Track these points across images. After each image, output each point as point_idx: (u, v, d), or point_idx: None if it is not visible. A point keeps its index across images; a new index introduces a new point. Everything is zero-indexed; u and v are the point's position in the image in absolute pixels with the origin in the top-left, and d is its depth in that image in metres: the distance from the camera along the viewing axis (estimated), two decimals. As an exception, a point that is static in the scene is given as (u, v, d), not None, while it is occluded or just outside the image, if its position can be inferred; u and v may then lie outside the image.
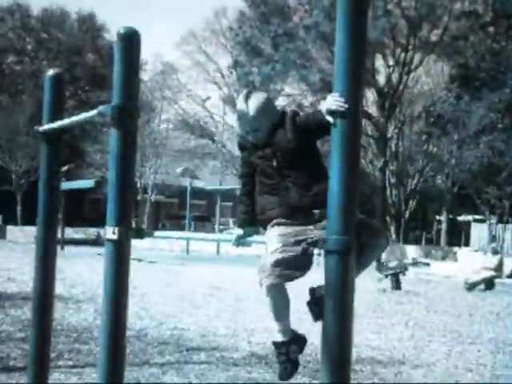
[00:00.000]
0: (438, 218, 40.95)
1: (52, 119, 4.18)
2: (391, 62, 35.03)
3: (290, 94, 37.92)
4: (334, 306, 2.71)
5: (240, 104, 3.42)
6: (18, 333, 7.09)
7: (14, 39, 46.28)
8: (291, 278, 3.11)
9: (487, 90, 31.41)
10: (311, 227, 3.18)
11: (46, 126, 4.20)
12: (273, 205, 3.28)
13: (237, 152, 42.38)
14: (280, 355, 3.18)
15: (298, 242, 3.14)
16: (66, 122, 3.99)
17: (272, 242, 3.18)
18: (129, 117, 3.29)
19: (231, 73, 40.75)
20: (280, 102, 39.13)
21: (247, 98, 3.40)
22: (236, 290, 12.50)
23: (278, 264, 3.06)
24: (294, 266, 3.10)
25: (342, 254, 2.69)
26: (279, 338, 3.21)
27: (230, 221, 41.72)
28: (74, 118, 3.81)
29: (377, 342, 7.68)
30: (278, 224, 3.23)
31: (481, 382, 6.01)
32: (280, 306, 3.18)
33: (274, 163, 3.30)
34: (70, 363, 5.82)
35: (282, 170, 3.28)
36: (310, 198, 3.19)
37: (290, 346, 3.19)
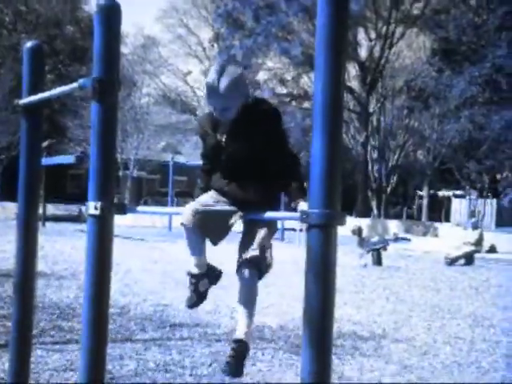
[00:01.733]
0: (419, 193, 41.22)
1: (32, 92, 4.11)
2: (373, 36, 34.96)
3: (272, 68, 37.76)
4: (317, 280, 2.70)
5: (211, 78, 3.31)
6: (0, 310, 7.05)
7: (-9, 11, 45.53)
8: (201, 231, 3.31)
9: (468, 64, 31.49)
10: (238, 212, 3.33)
11: (26, 100, 4.13)
12: (221, 186, 3.40)
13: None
14: (191, 285, 3.44)
15: (219, 211, 3.33)
16: (46, 94, 3.93)
17: (202, 196, 3.41)
18: (110, 90, 3.23)
19: (212, 46, 40.50)
20: (261, 76, 39.00)
21: (220, 73, 3.30)
22: (219, 266, 12.50)
23: (194, 212, 3.28)
24: (206, 221, 3.30)
25: (324, 228, 2.67)
26: (195, 270, 3.44)
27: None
28: (55, 91, 3.75)
29: (358, 317, 7.74)
30: (216, 192, 3.41)
31: (459, 356, 6.08)
32: (193, 244, 3.37)
33: (230, 149, 3.34)
34: (53, 340, 5.80)
35: (235, 157, 3.33)
36: (251, 195, 3.31)
37: (202, 279, 3.44)
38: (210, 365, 5.25)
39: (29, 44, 4.22)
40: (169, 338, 6.13)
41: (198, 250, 3.40)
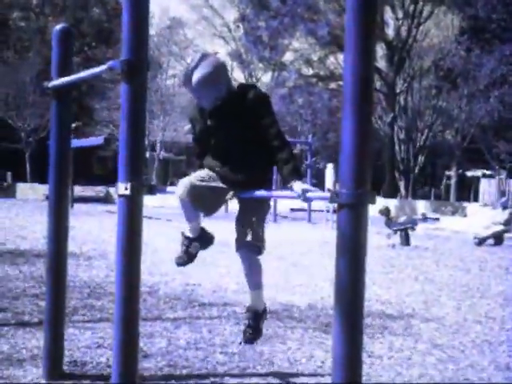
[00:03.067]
0: (447, 173, 40.83)
1: (61, 74, 4.15)
2: (400, 15, 34.52)
3: (298, 49, 37.51)
4: (347, 259, 2.70)
5: (186, 68, 3.51)
6: (32, 289, 7.17)
7: (19, -6, 45.72)
8: (195, 205, 3.55)
9: (498, 42, 30.97)
10: (230, 191, 3.57)
11: (55, 82, 4.17)
12: (213, 167, 3.60)
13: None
14: (183, 246, 3.73)
15: (214, 187, 3.53)
16: (75, 77, 3.97)
17: (198, 171, 3.59)
18: (139, 71, 3.26)
19: (238, 27, 40.30)
20: (288, 57, 38.81)
21: (196, 66, 3.46)
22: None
23: (190, 187, 3.49)
24: (201, 196, 3.51)
25: (354, 208, 2.67)
26: (188, 234, 3.71)
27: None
28: (84, 73, 3.78)
29: (386, 297, 7.73)
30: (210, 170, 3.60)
31: (489, 335, 6.06)
32: (188, 213, 3.61)
33: (217, 133, 3.53)
34: (84, 318, 5.89)
35: (223, 140, 3.53)
36: (242, 176, 3.49)
37: (193, 242, 3.70)
38: (240, 343, 5.28)
39: (58, 27, 4.26)
40: (198, 317, 6.19)
41: (192, 217, 3.65)
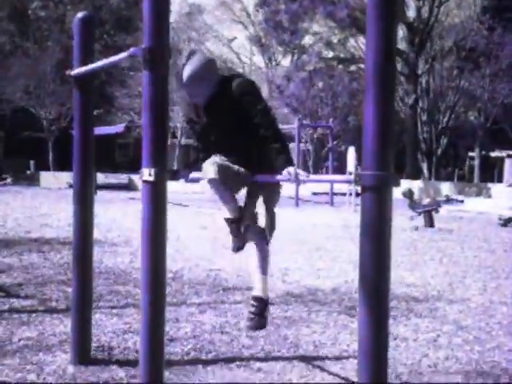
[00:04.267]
0: (470, 154, 40.46)
1: (83, 63, 4.16)
2: (421, -5, 34.10)
3: (318, 32, 37.28)
4: (372, 242, 2.70)
5: (177, 68, 3.62)
6: (59, 276, 7.26)
7: (38, -16, 45.87)
8: (225, 182, 3.53)
9: (521, 20, 30.53)
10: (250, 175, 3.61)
11: (77, 70, 4.19)
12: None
13: (264, 93, 41.78)
14: (232, 230, 3.70)
15: (237, 168, 3.58)
16: (97, 64, 3.98)
17: (215, 156, 3.61)
18: (160, 58, 3.27)
19: (257, 11, 40.12)
20: (307, 41, 38.59)
21: (185, 63, 3.59)
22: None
23: (218, 165, 3.50)
24: (229, 173, 3.52)
25: (378, 190, 2.67)
26: (232, 215, 3.67)
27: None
28: (106, 61, 3.79)
29: (411, 279, 7.71)
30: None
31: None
32: (222, 195, 3.56)
33: (214, 129, 3.63)
34: (110, 304, 5.95)
35: (221, 135, 3.62)
36: (247, 167, 3.57)
37: (240, 223, 3.67)
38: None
39: (79, 15, 4.27)
40: (223, 302, 6.23)
41: (228, 198, 3.60)
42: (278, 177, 3.37)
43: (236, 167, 3.56)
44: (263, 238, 3.71)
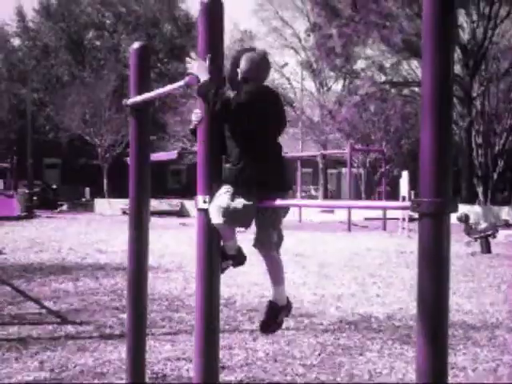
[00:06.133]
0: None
1: (138, 92, 4.23)
2: (475, 17, 33.70)
3: (370, 56, 37.17)
4: (430, 270, 2.64)
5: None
6: (113, 302, 7.33)
7: (94, 14, 47.12)
8: (232, 225, 3.47)
9: None
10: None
11: (133, 99, 4.25)
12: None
13: (316, 118, 41.76)
14: (222, 260, 3.56)
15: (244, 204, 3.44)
16: (152, 93, 4.04)
17: (219, 195, 3.41)
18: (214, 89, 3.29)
19: (308, 36, 40.27)
20: (359, 65, 38.49)
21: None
22: (319, 256, 12.50)
23: (223, 213, 3.37)
24: (235, 216, 3.41)
25: (436, 217, 2.61)
26: (228, 251, 3.61)
27: (311, 188, 41.64)
28: (162, 90, 3.84)
29: (468, 306, 7.52)
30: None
31: None
32: (225, 234, 3.49)
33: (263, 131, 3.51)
34: (164, 331, 5.97)
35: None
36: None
37: (227, 260, 3.63)
38: (319, 354, 5.25)
39: (135, 45, 4.34)
40: (276, 329, 6.17)
41: (228, 236, 3.55)
42: (402, 204, 3.22)
43: (241, 205, 3.41)
44: (276, 251, 3.71)
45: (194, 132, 3.49)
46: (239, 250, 3.71)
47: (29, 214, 25.62)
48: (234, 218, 3.39)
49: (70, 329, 5.96)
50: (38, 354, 5.06)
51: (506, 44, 34.29)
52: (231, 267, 3.70)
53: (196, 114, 3.37)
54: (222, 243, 3.55)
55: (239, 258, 3.74)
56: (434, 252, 2.62)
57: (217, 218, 3.34)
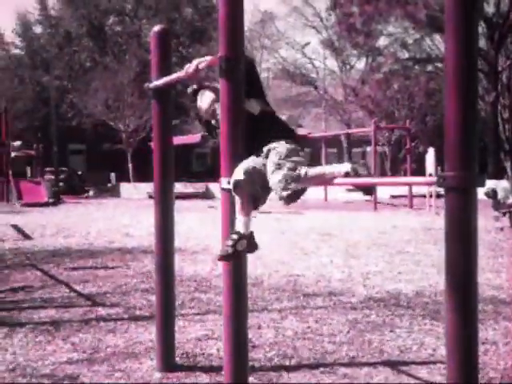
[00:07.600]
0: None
1: (161, 75, 4.24)
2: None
3: (393, 33, 36.76)
4: (458, 245, 2.62)
5: None
6: (142, 284, 7.41)
7: (114, 0, 47.16)
8: (252, 183, 3.36)
9: None
10: None
11: (155, 83, 4.27)
12: None
13: (340, 97, 41.46)
14: (231, 240, 3.38)
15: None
16: (173, 76, 4.05)
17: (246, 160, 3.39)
18: (236, 67, 3.29)
19: (330, 15, 39.93)
20: (382, 42, 38.10)
21: None
22: (346, 235, 12.48)
23: (245, 170, 3.33)
24: (256, 178, 3.35)
25: (463, 191, 2.59)
26: (240, 229, 3.43)
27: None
28: (182, 73, 3.84)
29: (498, 281, 7.47)
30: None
31: None
32: (242, 206, 3.38)
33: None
34: (193, 311, 6.02)
35: None
36: None
37: (241, 240, 3.39)
38: (348, 332, 5.26)
39: (155, 29, 4.35)
40: (304, 307, 6.20)
41: (245, 209, 3.44)
42: (428, 179, 3.13)
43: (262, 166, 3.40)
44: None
45: (195, 93, 3.55)
46: (252, 234, 3.50)
47: (56, 200, 25.92)
48: (253, 178, 3.34)
49: (100, 311, 6.05)
50: (69, 337, 5.14)
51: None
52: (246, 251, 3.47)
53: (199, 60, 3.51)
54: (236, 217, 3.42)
55: (252, 242, 3.52)
56: (462, 226, 2.61)
57: (239, 175, 3.30)
